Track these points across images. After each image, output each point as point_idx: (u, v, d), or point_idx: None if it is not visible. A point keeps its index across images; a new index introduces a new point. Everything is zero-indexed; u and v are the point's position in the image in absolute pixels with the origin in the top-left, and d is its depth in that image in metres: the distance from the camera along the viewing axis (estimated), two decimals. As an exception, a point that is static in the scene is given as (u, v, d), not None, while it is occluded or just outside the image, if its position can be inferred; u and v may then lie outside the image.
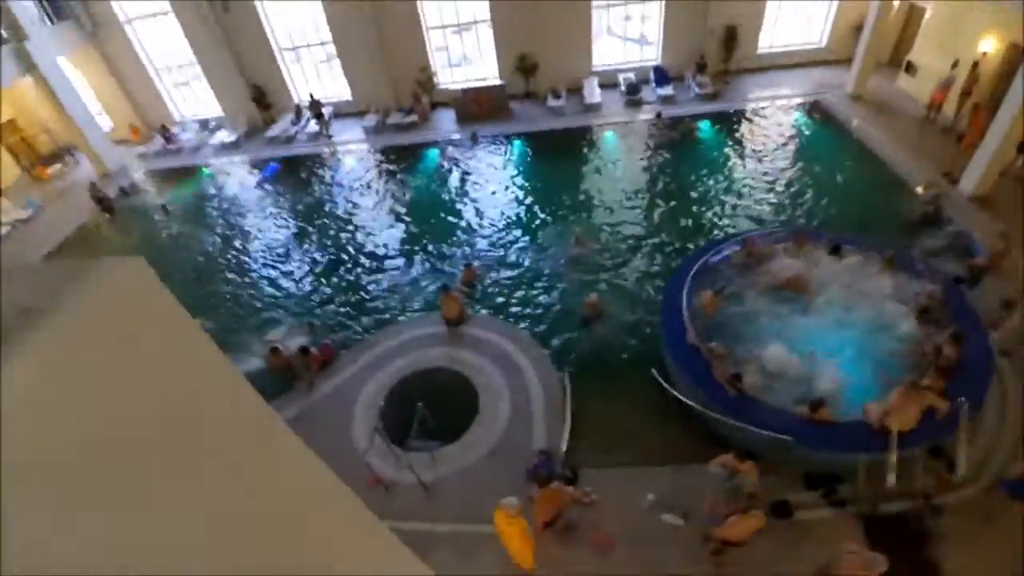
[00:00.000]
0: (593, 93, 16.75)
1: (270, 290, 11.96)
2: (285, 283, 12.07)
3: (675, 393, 7.97)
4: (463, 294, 10.44)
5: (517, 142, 15.82)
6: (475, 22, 17.34)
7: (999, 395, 7.64)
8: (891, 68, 16.08)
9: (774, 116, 15.38)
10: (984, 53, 12.75)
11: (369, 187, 15.07)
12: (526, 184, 14.21)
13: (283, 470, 1.37)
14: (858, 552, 5.37)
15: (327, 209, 14.38)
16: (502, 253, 11.97)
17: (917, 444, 6.65)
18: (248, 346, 10.15)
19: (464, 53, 18.46)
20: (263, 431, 1.31)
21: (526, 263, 11.59)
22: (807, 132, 14.68)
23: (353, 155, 16.65)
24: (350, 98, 18.58)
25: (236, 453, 1.15)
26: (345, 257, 12.55)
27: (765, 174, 13.31)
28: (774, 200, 12.45)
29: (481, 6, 16.68)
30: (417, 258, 12.16)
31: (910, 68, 14.99)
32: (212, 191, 16.08)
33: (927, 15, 14.69)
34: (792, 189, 12.69)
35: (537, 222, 12.77)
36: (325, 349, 9.65)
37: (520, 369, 8.87)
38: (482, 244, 12.33)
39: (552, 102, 16.73)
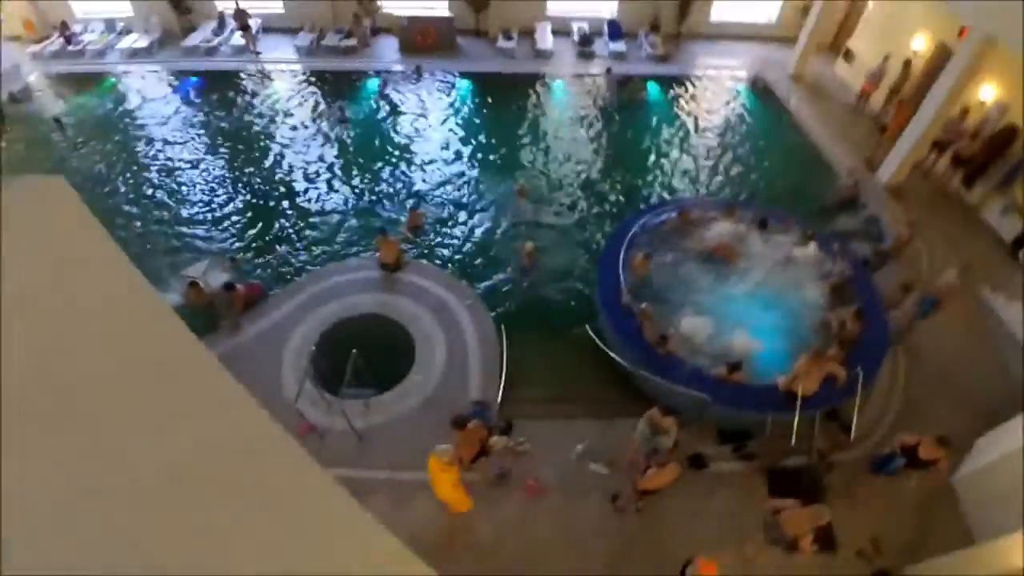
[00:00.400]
0: (545, 39, 16.33)
1: (186, 221, 11.01)
2: (204, 214, 11.16)
3: (607, 350, 8.33)
4: (407, 239, 10.18)
5: (464, 81, 15.24)
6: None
7: (891, 369, 8.58)
8: (831, 53, 16.77)
9: (719, 85, 15.74)
10: (915, 51, 13.56)
11: (301, 114, 13.99)
12: (471, 126, 13.83)
13: (213, 404, 1.31)
14: (798, 508, 5.98)
15: (253, 134, 13.28)
16: (443, 197, 11.71)
17: (818, 407, 7.42)
18: (164, 281, 9.41)
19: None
20: (190, 361, 1.25)
21: (467, 209, 11.44)
22: (747, 105, 15.15)
23: (283, 75, 15.34)
24: (282, 11, 16.92)
25: (164, 382, 1.09)
26: (273, 190, 11.75)
27: (704, 141, 13.73)
28: (710, 168, 12.92)
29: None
30: (353, 195, 11.64)
31: (848, 55, 15.70)
32: (118, 104, 14.19)
33: (870, 5, 15.34)
34: (727, 159, 13.20)
35: (480, 167, 12.55)
36: (252, 288, 9.15)
37: (457, 319, 8.87)
38: (422, 185, 11.99)
39: (503, 43, 16.18)
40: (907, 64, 13.47)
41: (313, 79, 15.22)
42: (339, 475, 6.52)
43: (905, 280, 9.61)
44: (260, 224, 10.98)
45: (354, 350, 7.50)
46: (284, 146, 12.99)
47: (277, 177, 12.10)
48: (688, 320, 8.75)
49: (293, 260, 10.27)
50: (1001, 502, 6.32)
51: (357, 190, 11.82)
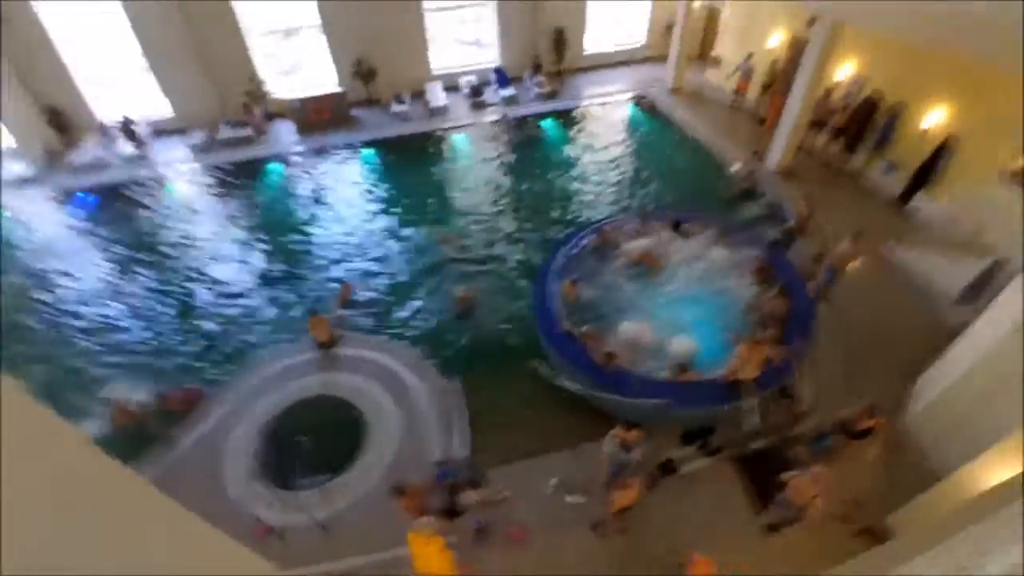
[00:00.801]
0: (437, 97, 16.80)
1: (101, 340, 10.29)
2: (119, 331, 10.49)
3: (557, 381, 8.34)
4: (338, 315, 9.93)
5: (366, 150, 15.39)
6: (303, 27, 16.54)
7: (824, 336, 9.03)
8: (701, 62, 18.17)
9: (608, 111, 16.64)
10: (774, 47, 14.94)
11: (205, 211, 13.65)
12: (383, 191, 13.90)
13: (149, 529, 1.22)
14: (799, 474, 6.06)
15: (157, 240, 12.73)
16: (368, 264, 11.57)
17: (768, 388, 7.68)
18: (83, 408, 8.70)
19: (296, 60, 17.44)
20: (126, 496, 1.16)
21: (394, 270, 11.37)
22: (638, 123, 16.07)
23: (181, 177, 14.89)
24: (171, 114, 16.60)
25: (90, 517, 1.00)
26: (191, 292, 11.24)
27: (608, 163, 14.36)
28: (618, 187, 13.47)
29: (309, 9, 15.93)
30: (275, 281, 11.31)
31: (716, 62, 17.08)
32: (9, 237, 13.27)
33: (725, 14, 16.86)
34: (630, 175, 13.85)
35: (399, 227, 12.54)
36: (190, 392, 8.73)
37: (405, 383, 8.65)
38: (345, 257, 11.81)
39: (396, 107, 16.50)
40: (774, 63, 14.75)
41: (214, 174, 14.90)
42: (310, 574, 6.16)
43: (816, 251, 10.35)
44: (185, 329, 10.46)
45: (302, 437, 7.14)
46: (191, 243, 12.55)
47: (193, 278, 11.60)
48: (627, 325, 8.98)
49: (226, 355, 9.80)
50: (953, 433, 6.72)
51: (279, 275, 11.50)
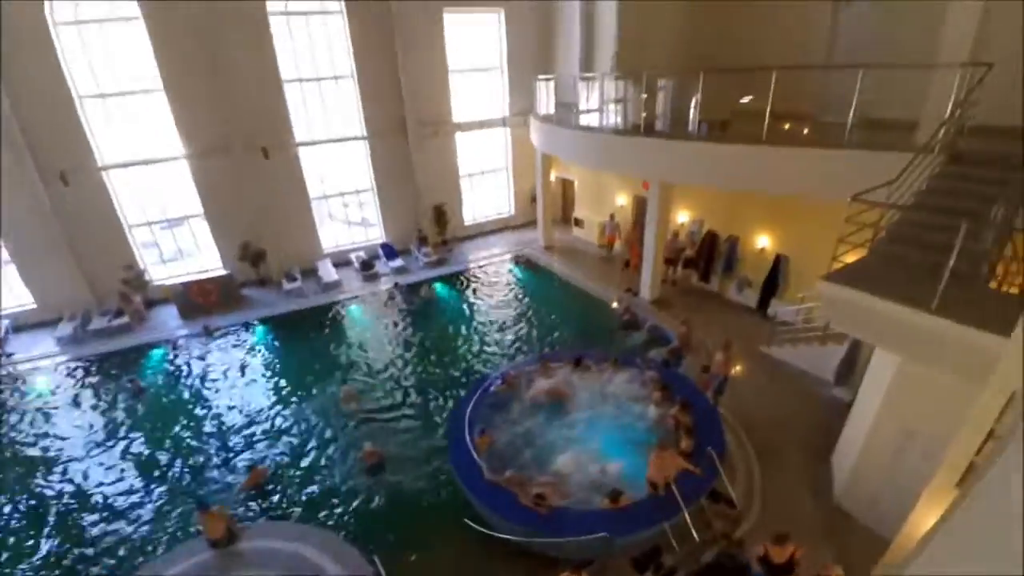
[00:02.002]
0: (329, 273, 16.94)
1: None
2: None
3: (492, 533, 7.66)
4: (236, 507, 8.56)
5: (259, 328, 14.72)
6: (186, 217, 16.51)
7: (735, 436, 9.34)
8: (565, 223, 20.49)
9: (494, 270, 17.69)
10: (621, 206, 17.36)
11: (79, 406, 11.82)
12: (279, 365, 13.07)
13: None
14: None
15: (16, 444, 10.69)
16: (271, 444, 10.37)
17: (697, 497, 7.56)
18: None
19: (179, 246, 17.02)
20: None
21: (299, 443, 10.31)
22: (523, 278, 17.16)
23: (46, 372, 13.04)
24: (34, 305, 15.03)
25: None
26: (56, 503, 9.21)
27: (501, 315, 14.86)
28: (513, 336, 13.81)
29: (193, 201, 16.08)
30: (164, 477, 9.68)
31: (578, 222, 19.37)
32: None
33: (576, 185, 19.55)
34: (522, 324, 14.35)
35: (300, 398, 11.67)
36: None
37: (319, 568, 7.38)
38: (243, 440, 10.51)
39: (288, 285, 16.32)
40: (634, 224, 16.97)
41: (85, 366, 13.25)
42: None
43: (703, 364, 11.06)
44: (46, 549, 8.37)
45: None
46: (58, 447, 10.60)
47: (57, 488, 9.57)
48: (564, 459, 8.74)
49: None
50: (883, 495, 6.97)
51: (167, 470, 9.86)
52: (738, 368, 10.89)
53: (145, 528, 8.64)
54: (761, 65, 10.01)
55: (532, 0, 18.25)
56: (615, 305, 14.39)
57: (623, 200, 17.31)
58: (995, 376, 4.20)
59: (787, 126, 11.43)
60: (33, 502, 9.31)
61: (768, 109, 9.71)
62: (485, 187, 20.90)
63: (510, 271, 17.70)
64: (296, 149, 16.87)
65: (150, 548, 8.27)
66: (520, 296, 16.03)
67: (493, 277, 17.30)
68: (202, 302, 15.34)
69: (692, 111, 11.33)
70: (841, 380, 10.09)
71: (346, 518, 8.62)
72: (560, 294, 15.92)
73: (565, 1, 17.38)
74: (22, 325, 14.86)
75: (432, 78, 17.87)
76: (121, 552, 8.27)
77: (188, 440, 10.58)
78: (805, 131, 11.09)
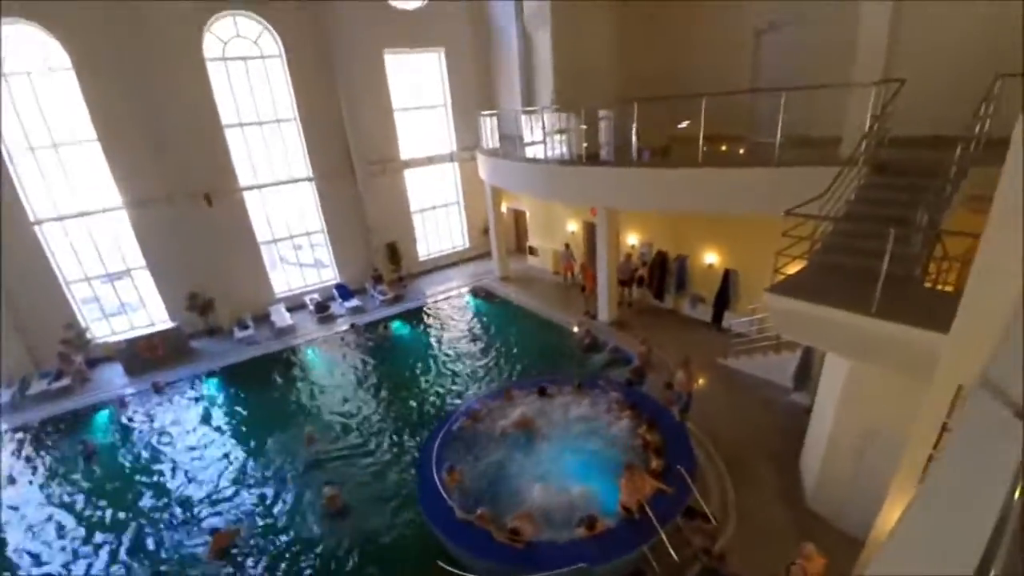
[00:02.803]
0: (283, 318, 16.40)
1: None
2: None
3: (466, 575, 7.36)
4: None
5: (211, 380, 14.02)
6: (128, 270, 15.72)
7: (704, 451, 9.39)
8: (520, 253, 20.60)
9: (452, 303, 17.53)
10: (572, 232, 17.61)
11: (18, 479, 10.87)
12: (236, 418, 12.44)
13: None
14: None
15: None
16: (234, 497, 9.79)
17: (673, 516, 7.50)
18: None
19: (120, 301, 16.10)
20: None
21: (262, 495, 9.79)
22: (481, 310, 17.06)
23: None
24: None
25: None
26: None
27: (462, 348, 14.68)
28: (476, 367, 13.63)
29: (133, 253, 15.41)
30: (111, 550, 8.89)
31: (532, 251, 19.51)
32: None
33: (528, 215, 19.76)
34: (487, 355, 14.21)
35: (257, 449, 11.14)
36: None
37: None
38: (208, 498, 9.87)
39: (240, 333, 15.69)
40: (591, 256, 16.98)
41: (23, 434, 12.31)
42: None
43: (666, 381, 11.17)
44: None
45: None
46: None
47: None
48: (524, 495, 8.48)
49: None
50: (851, 498, 7.08)
51: (113, 541, 9.07)
52: (700, 383, 11.04)
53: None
54: (691, 92, 10.48)
55: (471, 38, 18.65)
56: (576, 329, 14.44)
57: (574, 227, 17.58)
58: (939, 371, 4.37)
59: (724, 148, 11.98)
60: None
61: (701, 133, 10.13)
62: (437, 221, 20.89)
63: (468, 303, 17.58)
64: (241, 194, 16.42)
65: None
66: (480, 328, 15.88)
67: (451, 311, 17.11)
68: (149, 357, 14.52)
69: (633, 139, 11.70)
70: (799, 385, 10.36)
71: (313, 570, 8.15)
72: (520, 323, 15.88)
73: (502, 40, 17.85)
74: None
75: (377, 117, 17.88)
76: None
77: (147, 503, 9.86)
78: (741, 151, 11.60)
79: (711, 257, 13.41)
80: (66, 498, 10.20)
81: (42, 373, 14.08)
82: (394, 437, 11.21)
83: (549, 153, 14.15)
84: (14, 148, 13.56)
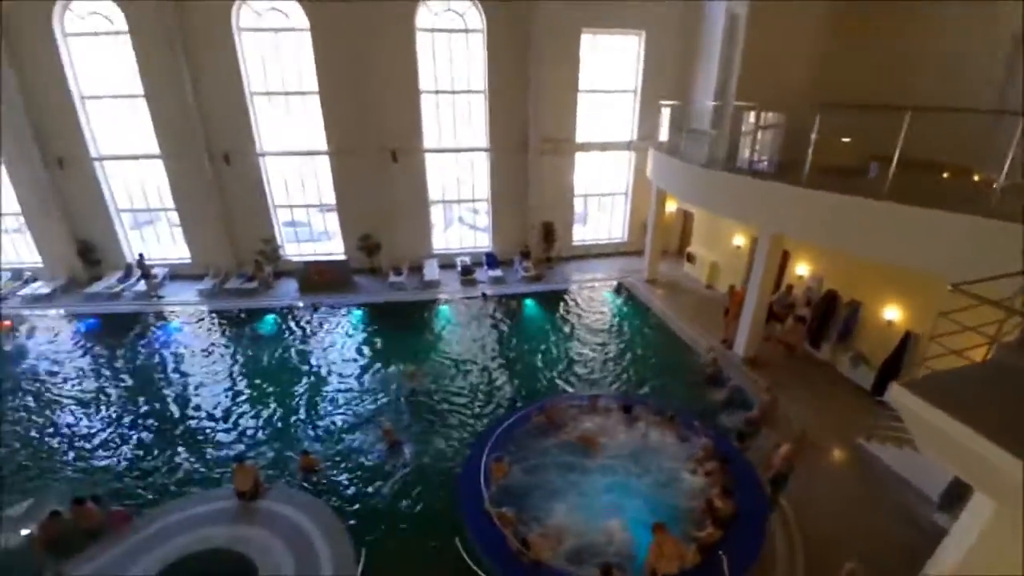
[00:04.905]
0: (433, 272, 17.41)
1: (60, 454, 9.83)
2: (88, 448, 9.98)
3: (474, 568, 7.08)
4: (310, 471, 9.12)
5: (357, 311, 15.56)
6: (321, 205, 18.22)
7: (786, 538, 7.61)
8: (679, 256, 18.77)
9: (588, 295, 16.68)
10: (738, 246, 15.39)
11: (200, 349, 13.62)
12: (364, 349, 13.63)
13: None
14: None
15: (148, 369, 12.68)
16: (340, 415, 10.96)
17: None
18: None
19: (312, 231, 18.79)
20: None
21: (361, 414, 10.95)
22: (615, 308, 15.97)
23: (182, 316, 15.28)
24: (189, 260, 17.79)
25: None
26: (164, 423, 10.73)
27: (580, 342, 13.90)
28: (587, 365, 12.80)
29: (327, 192, 17.67)
30: (243, 424, 10.70)
31: (691, 258, 17.59)
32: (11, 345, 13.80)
33: (696, 218, 17.82)
34: (602, 355, 13.26)
35: (372, 378, 12.36)
36: (113, 516, 7.95)
37: (314, 551, 7.49)
38: (319, 408, 11.23)
39: (393, 278, 17.03)
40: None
41: (213, 318, 15.27)
42: None
43: (777, 442, 9.26)
44: (147, 455, 9.78)
45: None
46: (172, 377, 12.42)
47: (169, 411, 11.12)
48: (562, 508, 7.90)
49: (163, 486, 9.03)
50: None
51: (248, 417, 10.93)
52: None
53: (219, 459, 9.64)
54: (896, 104, 8.01)
55: (677, 21, 16.98)
56: (705, 356, 12.70)
57: (740, 241, 15.29)
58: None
59: (945, 175, 9.19)
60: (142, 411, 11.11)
61: (896, 157, 7.75)
62: (600, 209, 20.02)
63: (605, 298, 16.63)
64: (423, 155, 17.60)
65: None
66: (606, 325, 14.89)
67: (586, 301, 16.33)
68: (318, 280, 16.68)
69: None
70: (946, 504, 7.62)
71: (357, 492, 8.83)
72: (649, 331, 14.49)
73: (709, 22, 15.92)
74: (176, 275, 17.53)
75: (561, 97, 17.45)
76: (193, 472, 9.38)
77: (274, 403, 11.42)
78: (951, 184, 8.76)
79: (892, 312, 10.49)
80: (216, 371, 12.67)
81: (239, 274, 17.18)
82: (481, 402, 11.35)
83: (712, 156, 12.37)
84: (256, 92, 16.40)
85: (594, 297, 16.65)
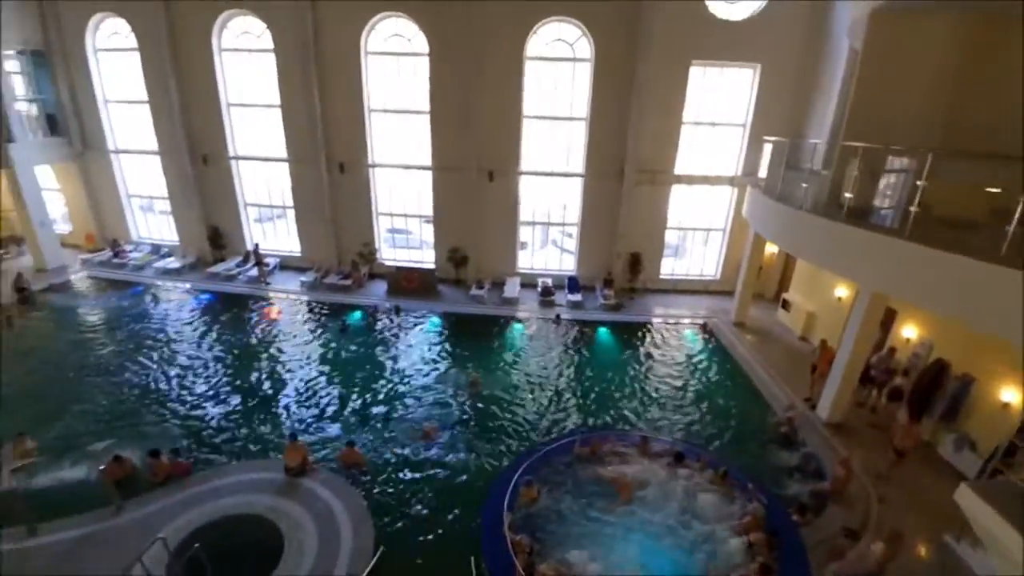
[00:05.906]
0: (514, 288, 17.65)
1: (156, 406, 11.38)
2: (175, 404, 11.51)
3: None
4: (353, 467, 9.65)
5: (435, 318, 16.19)
6: (421, 216, 19.38)
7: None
8: (774, 303, 17.31)
9: (667, 331, 15.92)
10: (840, 298, 13.88)
11: (294, 333, 15.06)
12: (434, 353, 14.18)
13: None
14: None
15: (247, 344, 14.35)
16: (398, 410, 11.60)
17: None
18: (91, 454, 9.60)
19: (408, 239, 20.05)
20: None
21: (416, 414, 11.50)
22: (693, 349, 15.05)
23: (282, 303, 17.03)
24: (299, 253, 19.83)
25: None
26: (252, 392, 12.09)
27: (650, 379, 13.30)
28: (651, 404, 12.19)
29: (426, 203, 18.70)
30: (311, 406, 11.67)
31: (786, 305, 16.14)
32: (141, 306, 16.46)
33: (797, 263, 16.35)
34: (670, 396, 12.56)
35: (436, 379, 12.92)
36: (177, 466, 9.05)
37: (338, 537, 7.84)
38: (379, 400, 11.96)
39: (475, 291, 17.51)
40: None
41: (308, 307, 16.83)
42: None
43: (847, 524, 8.20)
44: (232, 417, 11.12)
45: (196, 544, 6.90)
46: (271, 358, 13.75)
47: (257, 382, 12.54)
48: (575, 554, 7.49)
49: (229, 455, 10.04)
50: None
51: (319, 398, 11.93)
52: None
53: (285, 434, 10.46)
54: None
55: (798, 53, 15.89)
56: (782, 413, 11.56)
57: (843, 292, 13.77)
58: None
59: None
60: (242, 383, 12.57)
61: (1019, 211, 6.60)
62: (694, 243, 19.12)
63: (686, 337, 15.77)
64: (518, 177, 18.01)
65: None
66: (680, 366, 14.08)
67: (664, 337, 15.62)
68: (405, 285, 17.67)
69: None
70: None
71: (393, 489, 9.16)
72: (725, 378, 13.47)
73: (831, 55, 14.70)
74: (286, 265, 19.68)
75: (662, 127, 16.99)
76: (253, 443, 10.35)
77: (347, 390, 12.33)
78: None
79: (1011, 394, 8.86)
80: (305, 354, 14.00)
81: (337, 271, 18.76)
82: (534, 424, 11.32)
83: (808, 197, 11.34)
84: (374, 109, 17.87)
85: (673, 333, 15.87)
